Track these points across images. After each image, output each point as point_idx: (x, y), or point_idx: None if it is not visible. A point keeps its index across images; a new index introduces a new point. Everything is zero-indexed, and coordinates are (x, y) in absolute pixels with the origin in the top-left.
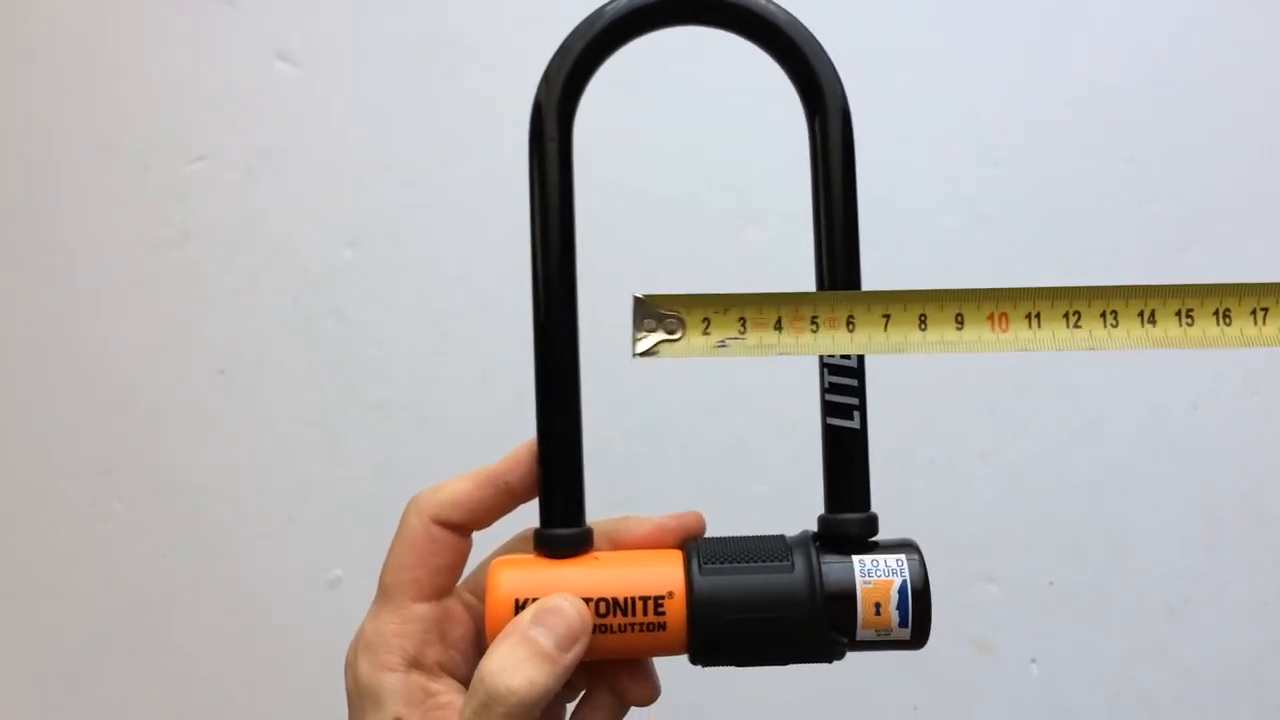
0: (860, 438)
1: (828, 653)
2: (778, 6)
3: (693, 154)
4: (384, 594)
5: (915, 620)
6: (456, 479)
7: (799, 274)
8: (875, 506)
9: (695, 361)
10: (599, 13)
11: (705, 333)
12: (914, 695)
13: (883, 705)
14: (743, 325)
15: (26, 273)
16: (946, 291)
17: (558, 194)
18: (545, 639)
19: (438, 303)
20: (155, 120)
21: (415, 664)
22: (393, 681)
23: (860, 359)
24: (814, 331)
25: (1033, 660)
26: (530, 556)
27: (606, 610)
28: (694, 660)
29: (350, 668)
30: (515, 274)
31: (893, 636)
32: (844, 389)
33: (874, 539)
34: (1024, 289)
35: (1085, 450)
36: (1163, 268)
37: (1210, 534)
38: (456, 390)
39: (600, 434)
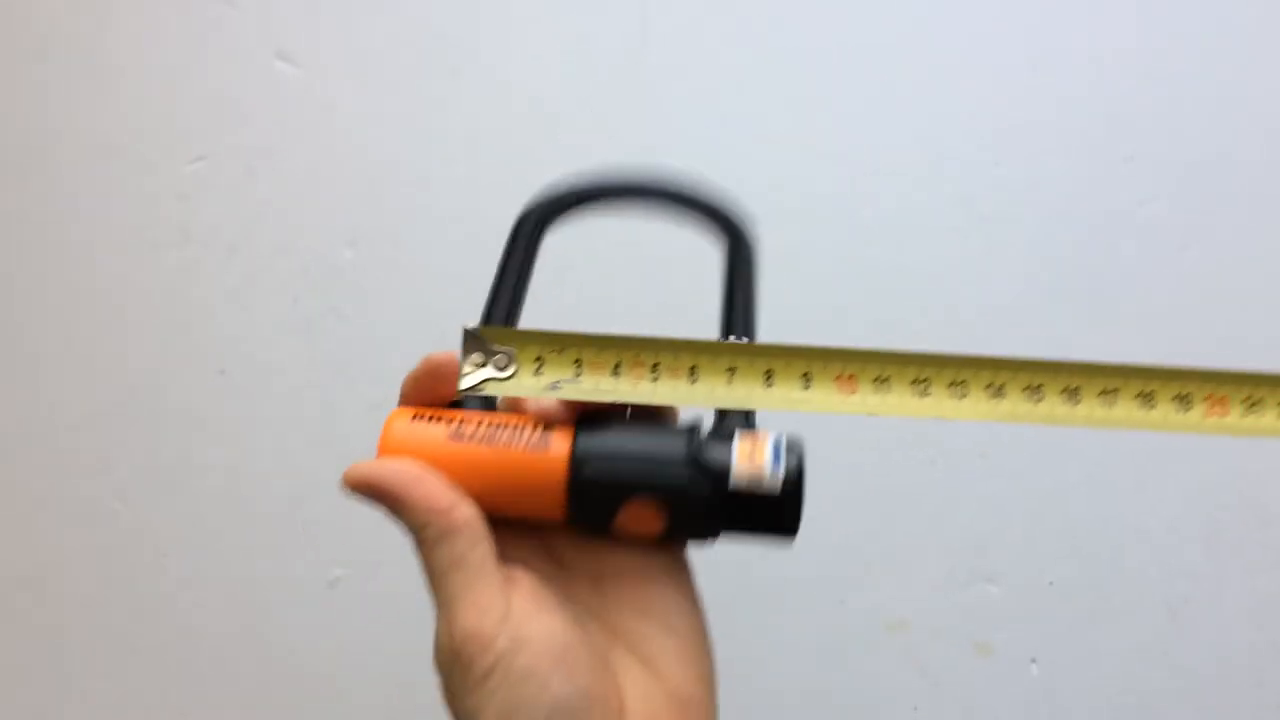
0: None
1: (700, 498)
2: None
3: (693, 154)
4: None
5: (788, 471)
6: None
7: (799, 273)
8: (875, 507)
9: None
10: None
11: (538, 373)
12: (914, 695)
13: (883, 705)
14: (578, 367)
15: (27, 273)
16: (795, 348)
17: (516, 279)
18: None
19: (438, 303)
20: (155, 120)
21: None
22: None
23: None
24: (654, 380)
25: (1033, 660)
26: (433, 416)
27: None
28: (571, 513)
29: None
30: None
31: (764, 487)
32: None
33: None
34: (874, 351)
35: (1085, 450)
36: (1162, 268)
37: (1209, 533)
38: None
39: None
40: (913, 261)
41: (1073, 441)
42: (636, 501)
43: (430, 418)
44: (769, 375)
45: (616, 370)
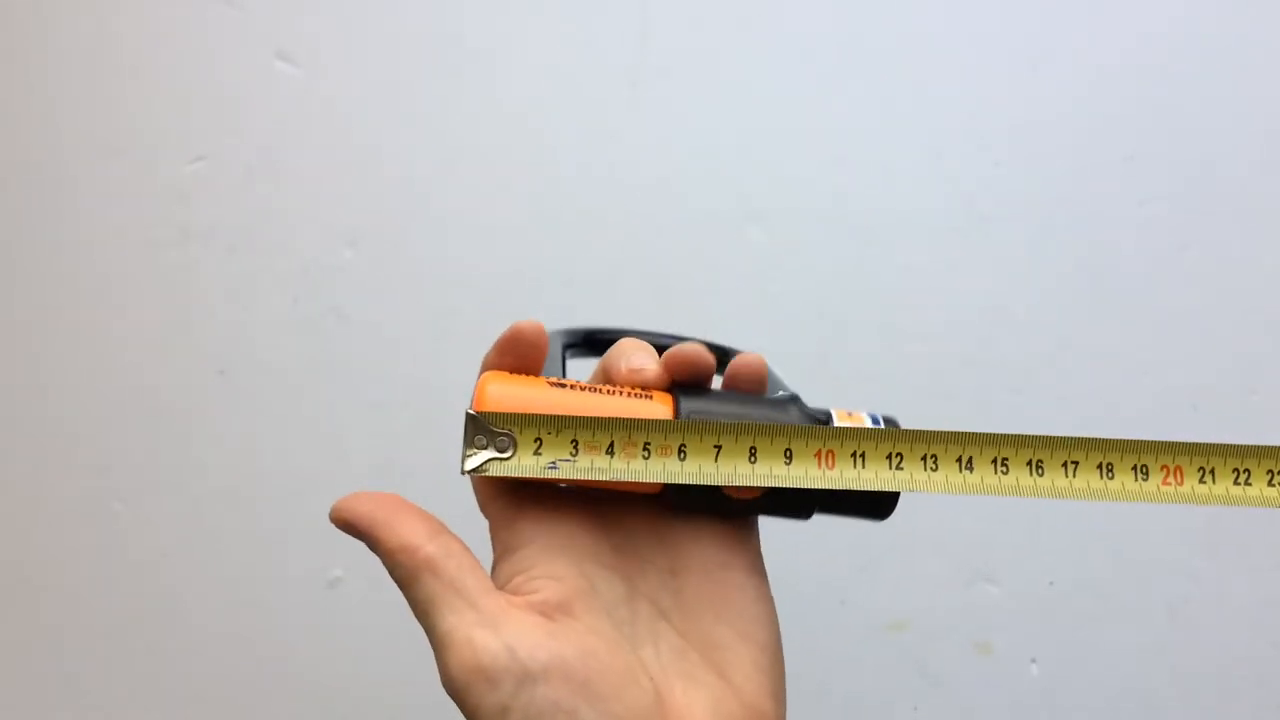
0: None
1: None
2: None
3: (695, 154)
4: None
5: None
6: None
7: (800, 273)
8: None
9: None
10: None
11: (537, 453)
12: (914, 695)
13: (883, 705)
14: (574, 447)
15: (27, 272)
16: (775, 427)
17: None
18: None
19: (438, 303)
20: (155, 120)
21: None
22: None
23: None
24: (645, 458)
25: (1033, 660)
26: (524, 377)
27: None
28: (674, 499)
29: None
30: (515, 274)
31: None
32: None
33: None
34: (850, 430)
35: None
36: (1162, 268)
37: (1210, 534)
38: (456, 390)
39: None
40: (913, 261)
41: None
42: None
43: (527, 375)
44: (753, 453)
45: (610, 450)
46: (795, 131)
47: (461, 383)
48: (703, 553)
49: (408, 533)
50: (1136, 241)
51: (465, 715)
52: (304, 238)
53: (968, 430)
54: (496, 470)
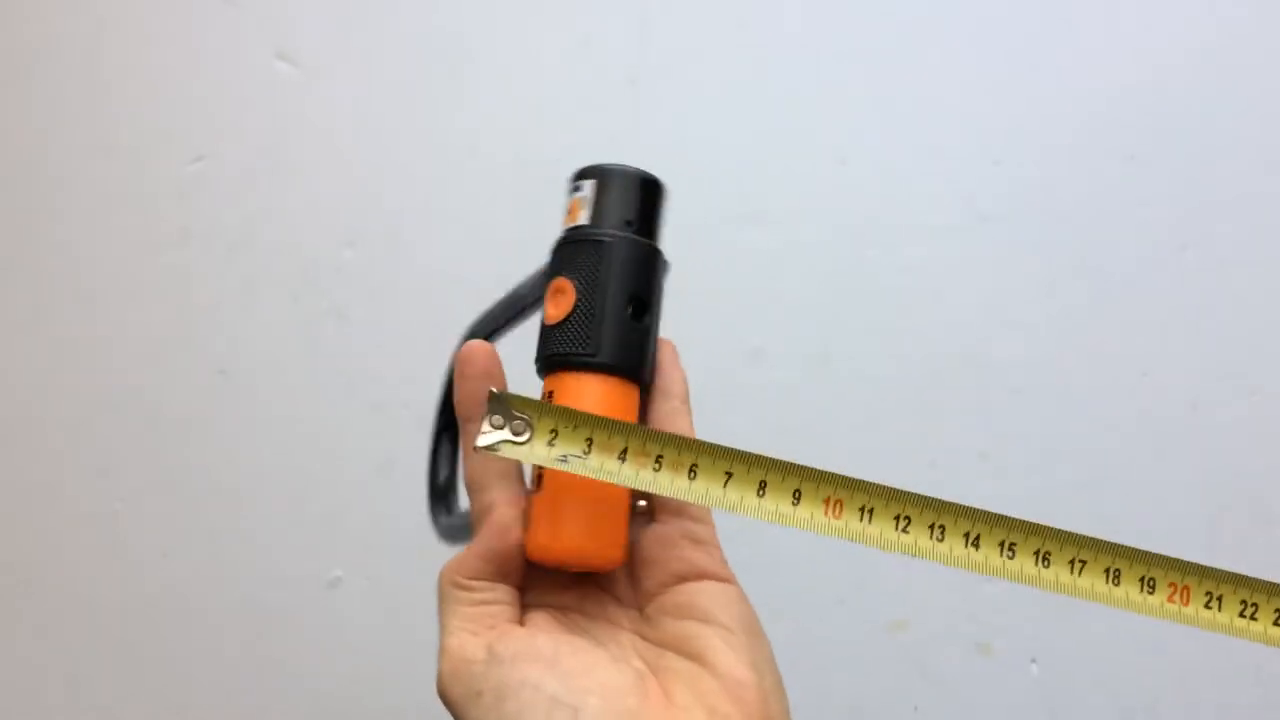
0: None
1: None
2: None
3: (695, 154)
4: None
5: None
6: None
7: (800, 273)
8: None
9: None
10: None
11: (550, 444)
12: (914, 695)
13: (883, 705)
14: (588, 445)
15: (27, 272)
16: (791, 466)
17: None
18: None
19: (438, 303)
20: (155, 120)
21: None
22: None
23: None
24: (656, 470)
25: (1033, 660)
26: None
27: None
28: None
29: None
30: (515, 274)
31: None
32: None
33: None
34: (863, 483)
35: (1085, 450)
36: (1162, 268)
37: (1210, 533)
38: None
39: None
40: (913, 261)
41: (1072, 442)
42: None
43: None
44: (762, 486)
45: (623, 456)
46: (795, 131)
47: None
48: (656, 578)
49: (503, 550)
50: (1136, 241)
51: (450, 702)
52: (304, 238)
53: (978, 508)
54: (508, 452)
